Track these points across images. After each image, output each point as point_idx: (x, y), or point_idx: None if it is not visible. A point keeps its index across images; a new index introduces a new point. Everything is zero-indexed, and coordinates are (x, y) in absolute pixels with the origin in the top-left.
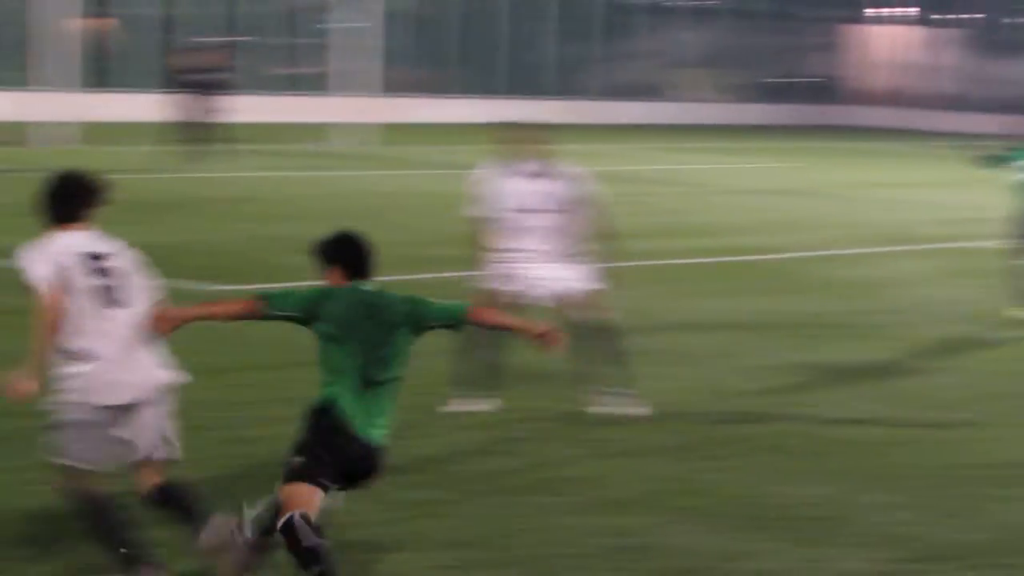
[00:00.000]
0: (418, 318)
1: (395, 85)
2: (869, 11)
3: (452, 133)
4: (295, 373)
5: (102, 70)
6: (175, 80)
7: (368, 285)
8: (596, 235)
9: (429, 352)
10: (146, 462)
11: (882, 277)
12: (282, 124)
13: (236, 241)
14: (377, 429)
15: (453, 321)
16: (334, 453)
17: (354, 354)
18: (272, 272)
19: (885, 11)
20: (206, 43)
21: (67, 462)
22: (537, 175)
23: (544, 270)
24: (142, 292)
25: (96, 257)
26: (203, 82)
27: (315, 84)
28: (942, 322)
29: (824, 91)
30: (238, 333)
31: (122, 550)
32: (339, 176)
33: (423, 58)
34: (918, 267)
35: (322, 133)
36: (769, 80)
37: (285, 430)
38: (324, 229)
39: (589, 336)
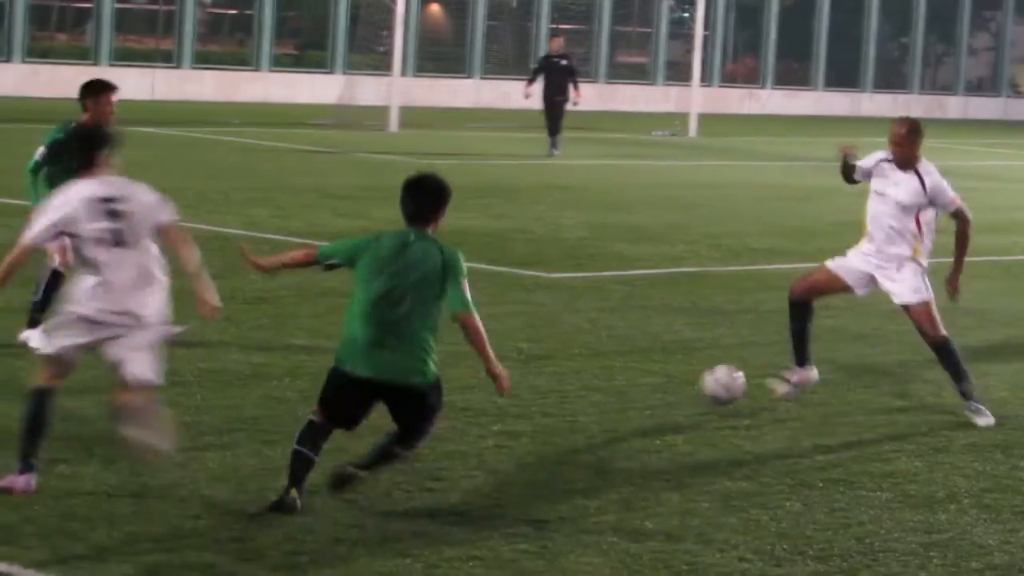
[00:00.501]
0: (443, 285)
1: (718, 75)
2: None
3: (771, 124)
4: (616, 361)
5: (452, 56)
6: (542, 67)
7: (418, 231)
8: (960, 235)
9: (760, 343)
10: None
11: None
12: (603, 112)
13: (572, 228)
14: (410, 369)
15: (451, 310)
16: (348, 405)
17: (378, 293)
18: (603, 261)
19: None
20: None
21: (48, 350)
22: (895, 173)
23: (881, 268)
24: (152, 233)
25: (106, 200)
26: (560, 69)
27: (638, 73)
28: None
29: None
30: (555, 319)
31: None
32: (671, 165)
33: (744, 49)
34: None
35: (648, 122)
36: None
37: (596, 420)
38: (655, 219)
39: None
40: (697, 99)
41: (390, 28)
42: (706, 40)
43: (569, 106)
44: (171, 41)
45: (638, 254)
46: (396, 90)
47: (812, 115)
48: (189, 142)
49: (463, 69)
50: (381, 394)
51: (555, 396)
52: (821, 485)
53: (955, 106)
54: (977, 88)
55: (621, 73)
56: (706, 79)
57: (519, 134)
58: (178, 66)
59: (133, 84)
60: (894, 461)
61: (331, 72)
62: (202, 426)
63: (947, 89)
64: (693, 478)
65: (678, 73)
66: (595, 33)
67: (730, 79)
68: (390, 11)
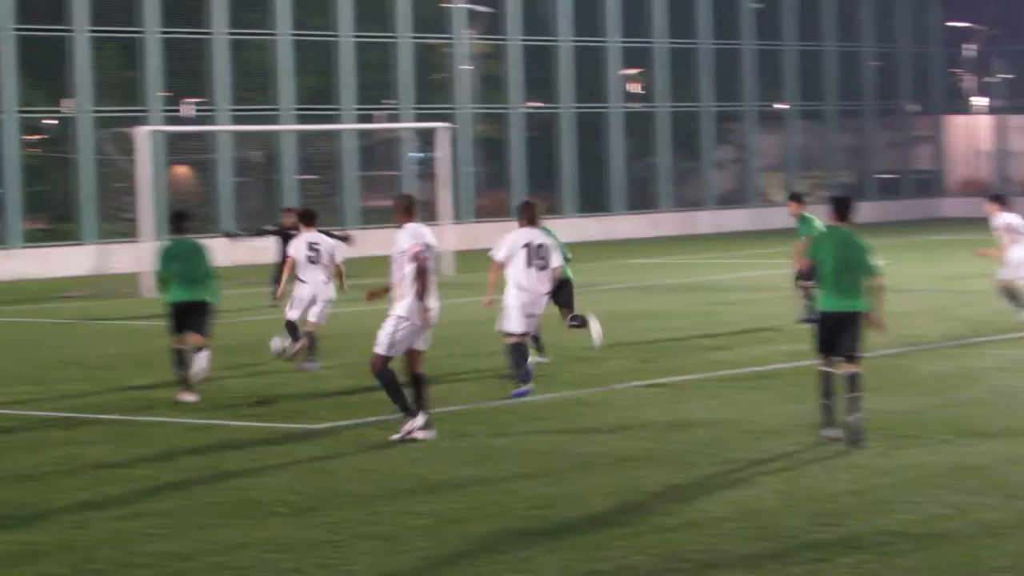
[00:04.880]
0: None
1: (470, 212)
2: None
3: None
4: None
5: (202, 216)
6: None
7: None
8: None
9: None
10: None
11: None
12: (359, 258)
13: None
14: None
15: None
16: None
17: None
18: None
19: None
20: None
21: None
22: None
23: None
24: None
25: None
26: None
27: (388, 216)
28: None
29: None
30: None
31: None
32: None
33: (492, 182)
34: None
35: None
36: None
37: None
38: None
39: None
40: (450, 237)
41: (136, 194)
42: (454, 177)
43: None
44: None
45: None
46: (147, 255)
47: (565, 242)
48: None
49: (213, 228)
50: None
51: None
52: None
53: (702, 221)
54: (726, 200)
55: (371, 218)
56: (458, 216)
57: (249, 290)
58: None
59: None
60: None
61: (82, 243)
62: None
63: (697, 204)
64: None
65: (430, 212)
66: (341, 180)
67: (482, 214)
68: (135, 177)
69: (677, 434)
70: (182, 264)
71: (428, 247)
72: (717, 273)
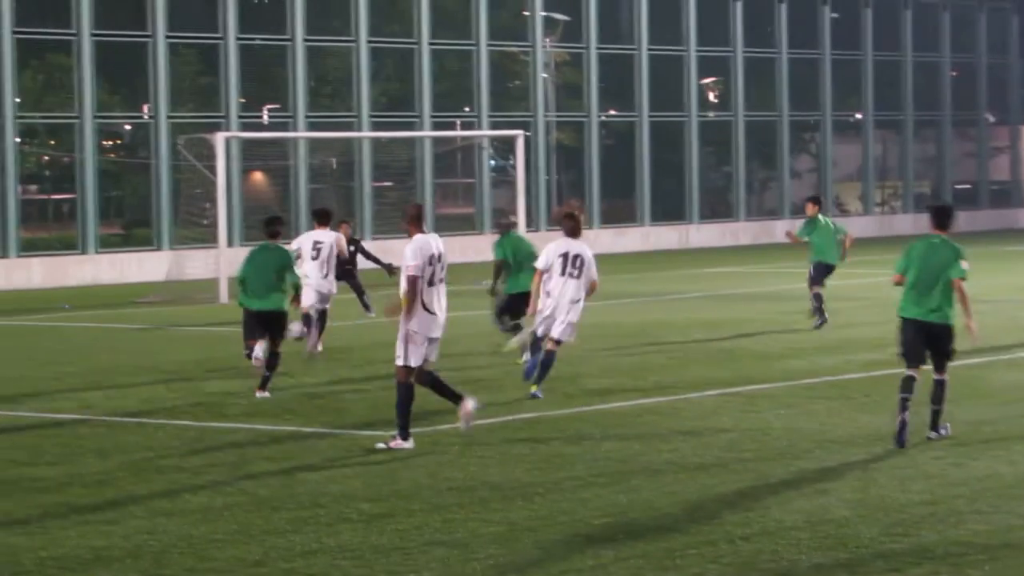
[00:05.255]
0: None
1: (544, 220)
2: None
3: (600, 262)
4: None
5: None
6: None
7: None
8: None
9: (599, 483)
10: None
11: None
12: None
13: None
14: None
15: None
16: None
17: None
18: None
19: None
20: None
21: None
22: None
23: None
24: None
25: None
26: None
27: (464, 223)
28: None
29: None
30: None
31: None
32: None
33: (568, 191)
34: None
35: (478, 272)
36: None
37: None
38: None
39: None
40: None
41: (212, 200)
42: (531, 185)
43: None
44: None
45: None
46: (224, 262)
47: (641, 251)
48: (20, 331)
49: (288, 235)
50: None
51: None
52: None
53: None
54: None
55: (447, 225)
56: (532, 224)
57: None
58: (4, 256)
59: None
60: None
61: (158, 249)
62: None
63: (773, 214)
64: None
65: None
66: (417, 187)
67: (556, 223)
68: (212, 183)
69: (750, 443)
70: (258, 270)
71: (434, 257)
72: (792, 282)
